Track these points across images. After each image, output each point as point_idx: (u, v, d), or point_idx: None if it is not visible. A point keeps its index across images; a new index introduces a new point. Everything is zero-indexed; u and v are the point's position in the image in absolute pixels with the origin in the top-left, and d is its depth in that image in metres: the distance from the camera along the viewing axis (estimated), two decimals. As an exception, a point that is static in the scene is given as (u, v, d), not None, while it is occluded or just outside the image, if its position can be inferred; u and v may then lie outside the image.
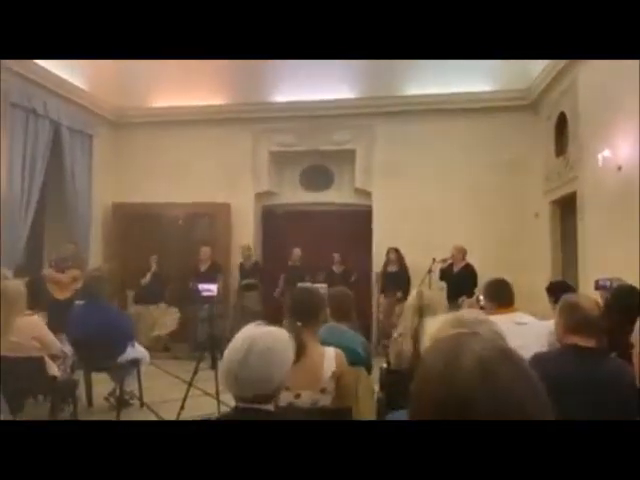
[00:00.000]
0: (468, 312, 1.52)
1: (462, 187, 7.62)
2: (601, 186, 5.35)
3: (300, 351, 2.28)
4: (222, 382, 1.53)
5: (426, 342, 1.44)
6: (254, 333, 1.52)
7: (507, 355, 0.67)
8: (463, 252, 6.92)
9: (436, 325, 1.45)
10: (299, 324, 2.34)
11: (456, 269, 6.88)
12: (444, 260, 6.94)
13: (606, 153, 5.18)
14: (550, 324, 3.10)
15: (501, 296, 3.16)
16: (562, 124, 6.68)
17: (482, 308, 3.28)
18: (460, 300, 5.93)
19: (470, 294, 6.49)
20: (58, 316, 4.82)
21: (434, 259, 6.99)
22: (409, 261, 7.33)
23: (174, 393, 4.70)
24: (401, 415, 1.42)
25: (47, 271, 6.53)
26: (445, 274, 6.89)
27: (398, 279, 7.22)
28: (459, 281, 6.61)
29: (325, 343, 2.44)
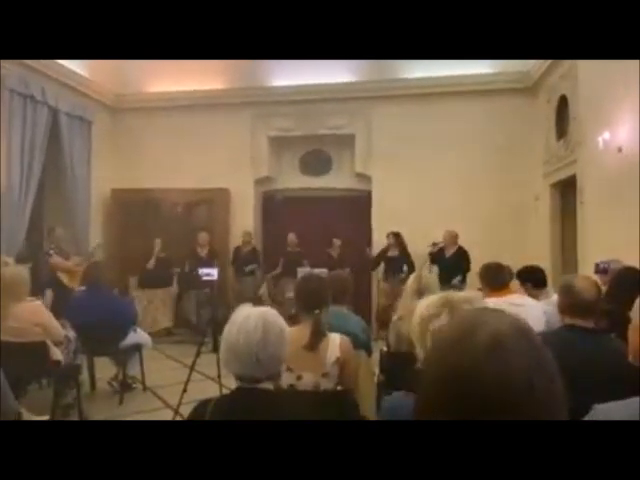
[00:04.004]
0: (455, 292, 1.53)
1: (462, 171, 7.60)
2: (601, 168, 5.34)
3: (319, 338, 2.31)
4: (232, 364, 1.51)
5: (416, 322, 1.46)
6: (263, 314, 1.55)
7: (522, 331, 0.67)
8: (455, 237, 6.98)
9: (423, 306, 1.47)
10: (317, 312, 2.37)
11: (448, 254, 6.95)
12: (435, 244, 6.97)
13: (606, 135, 5.16)
14: (545, 306, 3.14)
15: (494, 279, 3.21)
16: (562, 107, 6.64)
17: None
18: (455, 281, 6.01)
19: (464, 277, 6.58)
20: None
21: (433, 243, 7.03)
22: (410, 245, 7.33)
23: (176, 377, 4.75)
24: (398, 396, 1.44)
25: (55, 259, 6.46)
26: (436, 258, 6.90)
27: (399, 263, 7.25)
28: (452, 265, 6.71)
29: (329, 327, 2.47)
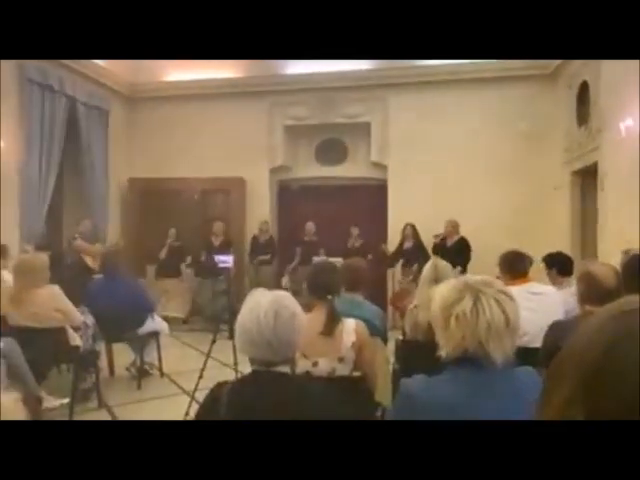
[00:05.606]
0: (472, 276, 1.50)
1: (480, 159, 7.50)
2: (623, 156, 5.24)
3: (335, 323, 2.32)
4: (247, 348, 1.52)
5: (437, 308, 1.43)
6: (275, 299, 1.54)
7: None
8: (456, 227, 6.99)
9: (443, 291, 1.44)
10: (329, 297, 2.37)
11: (449, 243, 6.95)
12: (437, 235, 7.02)
13: (628, 122, 5.05)
14: (565, 294, 3.10)
15: (514, 267, 3.17)
16: (583, 94, 6.51)
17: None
18: (454, 271, 5.99)
19: (464, 267, 6.53)
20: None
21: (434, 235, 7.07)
22: (425, 235, 7.29)
23: (193, 364, 4.79)
24: (415, 380, 1.43)
25: (79, 242, 6.64)
26: (438, 248, 6.91)
27: (414, 254, 7.23)
28: (452, 255, 6.58)
29: (343, 314, 2.46)
